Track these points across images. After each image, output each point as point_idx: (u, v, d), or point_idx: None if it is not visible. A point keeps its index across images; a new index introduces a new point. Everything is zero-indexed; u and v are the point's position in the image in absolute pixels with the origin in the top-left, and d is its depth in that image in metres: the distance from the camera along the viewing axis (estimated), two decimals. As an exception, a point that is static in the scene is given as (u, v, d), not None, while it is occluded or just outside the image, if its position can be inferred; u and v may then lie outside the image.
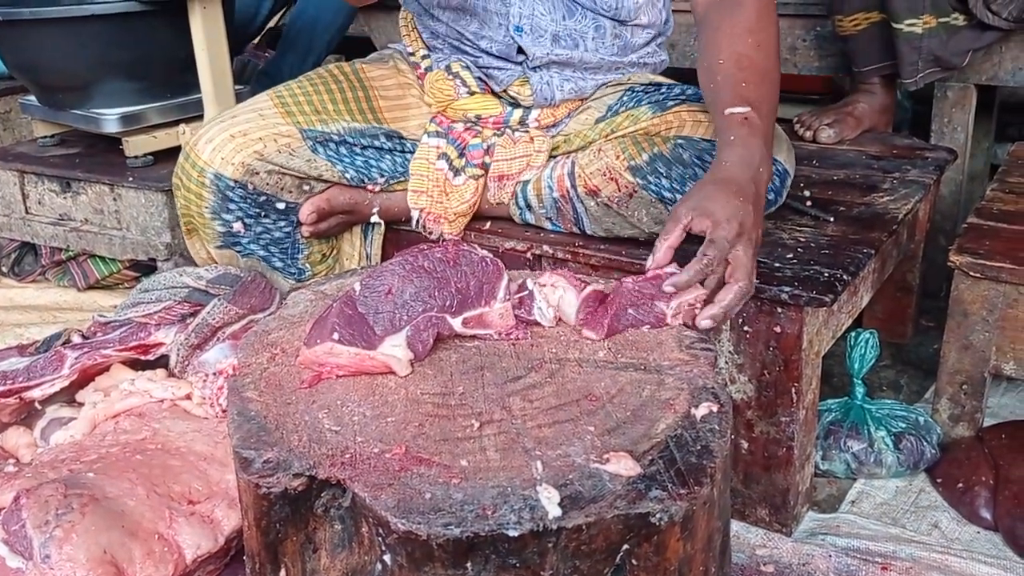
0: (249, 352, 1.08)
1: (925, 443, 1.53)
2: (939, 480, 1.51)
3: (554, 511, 0.82)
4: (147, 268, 2.28)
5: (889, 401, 1.64)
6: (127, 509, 1.10)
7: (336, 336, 1.01)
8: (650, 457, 0.89)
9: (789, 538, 1.41)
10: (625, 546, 0.85)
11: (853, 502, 1.50)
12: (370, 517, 0.84)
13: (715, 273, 1.07)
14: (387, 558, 0.84)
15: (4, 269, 2.42)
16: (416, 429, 0.93)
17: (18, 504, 1.08)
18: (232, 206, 1.50)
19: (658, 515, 0.83)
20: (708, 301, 1.08)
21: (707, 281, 1.08)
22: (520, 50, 1.51)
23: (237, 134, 1.49)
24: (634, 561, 0.86)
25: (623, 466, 0.87)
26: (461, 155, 1.55)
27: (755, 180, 1.14)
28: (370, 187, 1.56)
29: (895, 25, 1.86)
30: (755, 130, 1.19)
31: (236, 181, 1.49)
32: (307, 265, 1.60)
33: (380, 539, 0.84)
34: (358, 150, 1.55)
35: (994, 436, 1.53)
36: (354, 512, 0.87)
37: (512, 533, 0.80)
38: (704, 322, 1.06)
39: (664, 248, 1.10)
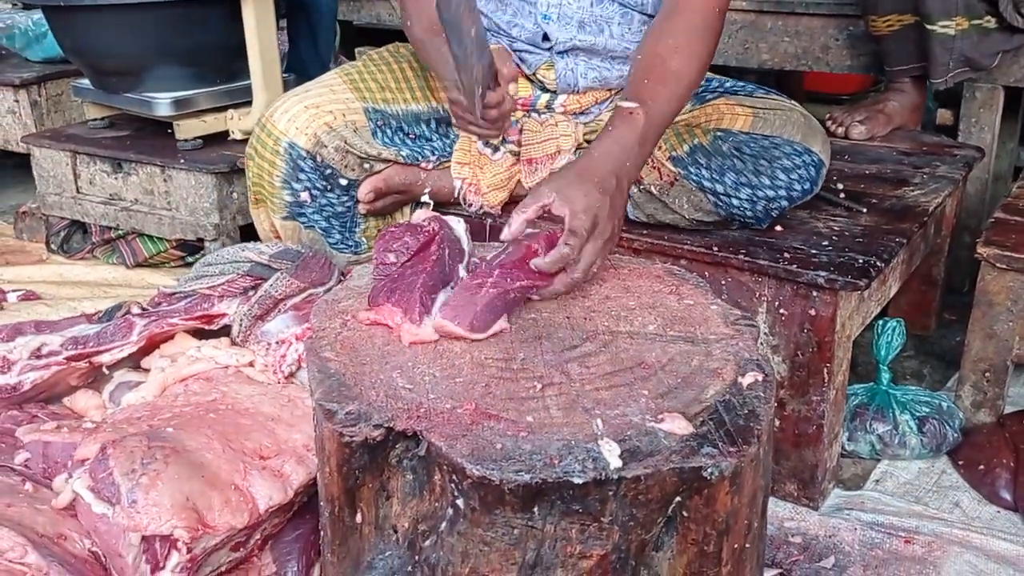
0: (322, 318, 1.16)
1: (948, 427, 1.59)
2: (961, 462, 1.58)
3: (615, 462, 0.89)
4: (193, 248, 2.36)
5: (913, 387, 1.71)
6: (205, 461, 1.18)
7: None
8: (701, 419, 0.97)
9: (816, 512, 1.49)
10: (678, 498, 0.93)
11: (877, 481, 1.57)
12: (444, 465, 0.92)
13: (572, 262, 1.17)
14: (460, 502, 0.92)
15: (54, 246, 2.51)
16: (483, 389, 1.01)
17: (105, 454, 1.16)
18: (302, 175, 1.60)
19: (710, 469, 0.91)
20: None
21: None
22: (546, 36, 1.60)
23: (310, 106, 1.60)
24: (685, 513, 0.94)
25: (677, 425, 0.94)
26: None
27: (617, 174, 1.23)
28: (423, 164, 1.66)
29: (928, 26, 1.92)
30: (634, 126, 1.27)
31: (307, 152, 1.59)
32: (363, 239, 1.69)
33: (453, 485, 0.92)
34: (411, 139, 1.66)
35: (1015, 422, 1.59)
36: (427, 462, 0.95)
37: (577, 481, 0.88)
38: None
39: (520, 221, 1.19)
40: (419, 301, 1.11)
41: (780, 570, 1.35)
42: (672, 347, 1.10)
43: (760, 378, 1.03)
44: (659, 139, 1.35)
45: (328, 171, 1.61)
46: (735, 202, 1.51)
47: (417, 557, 0.98)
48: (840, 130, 2.06)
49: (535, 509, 0.89)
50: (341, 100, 1.62)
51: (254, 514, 1.17)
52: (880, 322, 1.64)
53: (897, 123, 2.09)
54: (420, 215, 1.27)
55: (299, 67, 2.79)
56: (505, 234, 1.20)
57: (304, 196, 1.61)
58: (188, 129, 2.30)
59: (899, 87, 2.11)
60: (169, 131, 2.31)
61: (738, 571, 0.99)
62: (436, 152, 1.67)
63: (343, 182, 1.63)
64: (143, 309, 1.63)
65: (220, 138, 2.31)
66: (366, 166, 1.63)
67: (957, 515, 1.48)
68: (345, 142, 1.60)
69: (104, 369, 1.54)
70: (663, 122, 1.33)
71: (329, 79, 1.67)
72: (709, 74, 1.68)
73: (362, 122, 1.61)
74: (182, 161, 2.23)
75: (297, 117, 1.59)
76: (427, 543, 0.97)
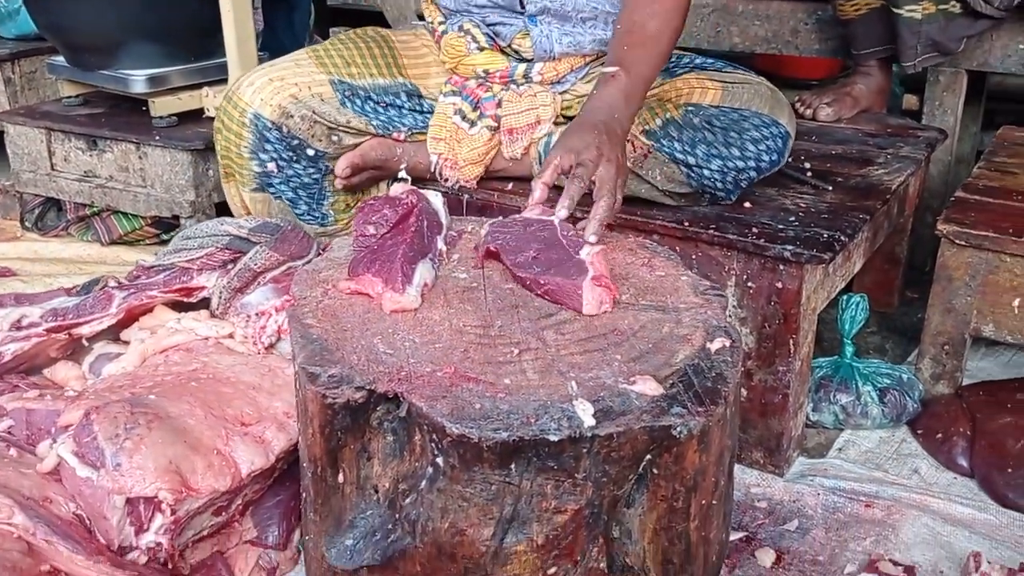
0: (303, 287, 1.19)
1: (908, 398, 1.65)
2: (920, 432, 1.64)
3: (589, 421, 0.93)
4: (168, 225, 2.36)
5: (875, 360, 1.76)
6: (188, 427, 1.21)
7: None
8: (671, 381, 1.01)
9: (781, 479, 1.54)
10: (648, 456, 0.97)
11: (840, 449, 1.63)
12: (425, 424, 0.96)
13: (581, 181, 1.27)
14: (440, 460, 0.95)
15: (28, 224, 2.50)
16: (462, 354, 1.05)
17: (89, 419, 1.18)
18: (268, 146, 1.63)
19: (679, 428, 0.95)
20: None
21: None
22: (522, 3, 1.64)
23: (275, 78, 1.63)
24: (655, 470, 0.98)
25: (648, 387, 0.98)
26: (475, 108, 1.68)
27: (607, 121, 1.36)
28: (395, 136, 1.69)
29: (896, 10, 1.98)
30: (618, 84, 1.41)
31: (273, 123, 1.61)
32: (331, 211, 1.72)
33: (433, 444, 0.96)
34: (381, 108, 1.69)
35: (972, 393, 1.65)
36: (407, 423, 0.99)
37: (553, 438, 0.92)
38: (590, 238, 1.25)
39: (539, 185, 1.31)
40: (401, 271, 1.14)
41: (746, 532, 1.40)
42: (644, 315, 1.14)
43: (727, 344, 1.07)
44: (643, 97, 1.46)
45: (295, 142, 1.64)
46: (706, 173, 1.55)
47: (398, 515, 1.02)
48: (808, 112, 2.11)
49: (512, 466, 0.93)
50: (307, 73, 1.65)
51: (236, 478, 1.19)
52: (844, 297, 1.69)
53: (863, 106, 2.15)
54: (398, 188, 1.30)
55: (274, 45, 2.79)
56: (530, 201, 1.30)
57: (271, 166, 1.64)
58: (163, 106, 2.30)
59: (866, 71, 2.17)
60: (144, 108, 2.30)
61: (705, 526, 1.04)
62: (408, 125, 1.69)
63: (310, 152, 1.65)
64: (120, 283, 1.64)
65: (195, 115, 2.31)
66: (334, 137, 1.65)
67: (916, 481, 1.54)
68: (313, 111, 1.63)
69: (84, 341, 1.55)
70: (645, 79, 1.45)
71: (295, 55, 1.70)
72: (680, 51, 1.72)
73: (328, 94, 1.64)
74: (157, 138, 2.23)
75: (262, 89, 1.62)
76: (407, 501, 1.00)
